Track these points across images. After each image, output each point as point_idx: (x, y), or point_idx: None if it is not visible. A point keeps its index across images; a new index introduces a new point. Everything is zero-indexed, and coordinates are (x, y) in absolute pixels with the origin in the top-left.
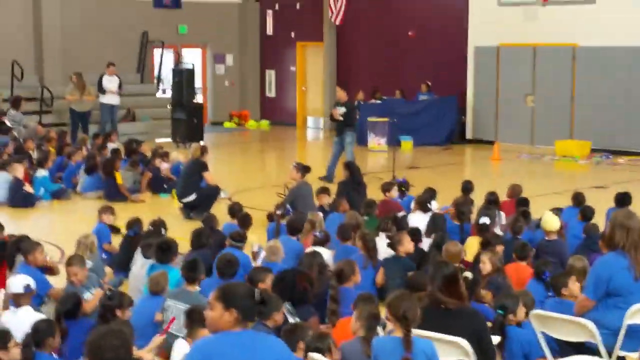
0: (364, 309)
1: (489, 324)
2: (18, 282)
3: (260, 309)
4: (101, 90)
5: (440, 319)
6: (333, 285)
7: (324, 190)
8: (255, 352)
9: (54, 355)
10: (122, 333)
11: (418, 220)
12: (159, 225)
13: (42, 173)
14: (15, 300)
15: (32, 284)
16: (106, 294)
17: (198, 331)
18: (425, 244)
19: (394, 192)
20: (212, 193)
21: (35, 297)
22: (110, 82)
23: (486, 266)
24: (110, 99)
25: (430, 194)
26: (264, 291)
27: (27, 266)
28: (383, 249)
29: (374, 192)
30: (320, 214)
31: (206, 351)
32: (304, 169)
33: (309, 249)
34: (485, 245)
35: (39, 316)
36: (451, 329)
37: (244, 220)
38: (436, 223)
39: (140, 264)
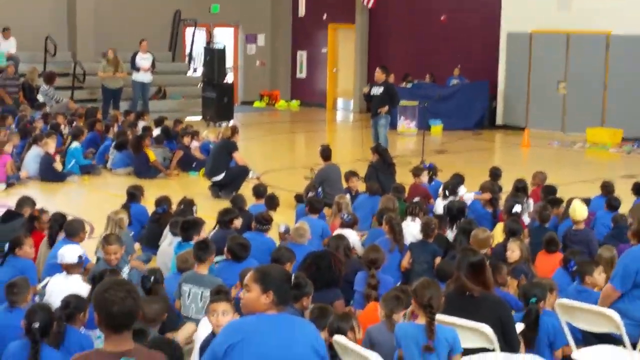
0: (390, 292)
1: (517, 313)
2: (72, 252)
3: (294, 293)
4: (134, 67)
5: (464, 305)
6: (372, 274)
7: (353, 174)
8: (291, 334)
9: (83, 330)
10: (127, 284)
11: (442, 205)
12: (189, 203)
13: (75, 145)
14: (68, 270)
15: (83, 255)
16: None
17: (219, 305)
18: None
19: (424, 177)
20: (241, 173)
21: None
22: (144, 60)
23: (514, 254)
24: (143, 76)
25: (458, 179)
26: (300, 275)
27: (68, 241)
28: (410, 233)
29: (402, 176)
30: (348, 197)
31: (243, 331)
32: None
33: (336, 232)
34: (511, 233)
35: (87, 287)
36: (475, 315)
37: (271, 201)
38: (450, 210)
39: (168, 241)
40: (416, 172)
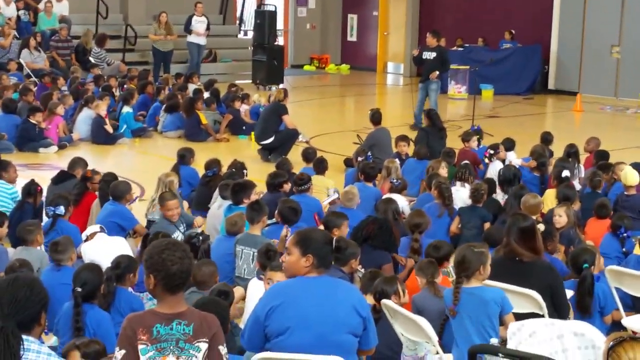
0: (423, 260)
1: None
2: (91, 228)
3: (337, 256)
4: (188, 30)
5: (513, 270)
6: (416, 238)
7: (403, 138)
8: (331, 296)
9: (132, 291)
10: (181, 244)
11: (493, 169)
12: (239, 167)
13: (126, 109)
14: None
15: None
16: (190, 235)
17: (276, 274)
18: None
19: (473, 143)
20: (290, 136)
21: (120, 231)
22: (199, 23)
23: (562, 219)
24: (198, 39)
25: (508, 144)
26: (340, 239)
27: (116, 203)
28: (459, 198)
29: (452, 141)
30: (397, 161)
31: (284, 294)
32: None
33: (385, 196)
34: (565, 199)
35: (122, 240)
36: (524, 281)
37: (319, 165)
38: (505, 175)
39: (218, 204)
40: (466, 137)
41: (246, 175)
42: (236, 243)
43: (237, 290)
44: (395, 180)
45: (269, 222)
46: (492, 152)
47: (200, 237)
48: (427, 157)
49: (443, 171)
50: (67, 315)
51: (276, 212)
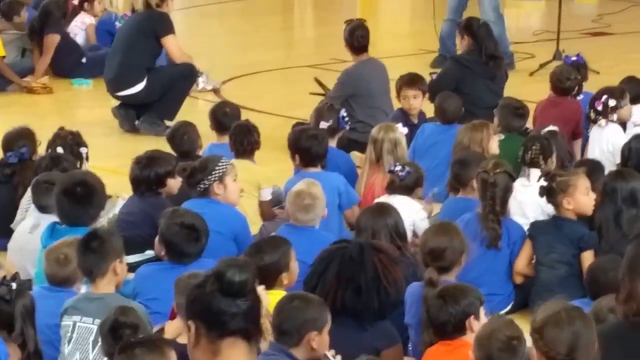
0: (484, 327)
1: None
2: None
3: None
4: None
5: None
6: (432, 281)
7: (414, 82)
8: None
9: None
10: None
11: (607, 139)
12: (72, 143)
13: None
14: None
15: None
16: None
17: None
18: None
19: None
20: (180, 79)
21: None
22: None
23: None
24: None
25: (634, 90)
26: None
27: None
28: (531, 202)
29: (515, 85)
30: (401, 128)
31: None
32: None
33: (380, 199)
34: None
35: None
36: None
37: (242, 139)
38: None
39: (31, 223)
40: (559, 80)
41: (86, 160)
42: (64, 312)
43: None
44: (398, 168)
45: (136, 258)
46: (612, 104)
47: (13, 285)
48: (462, 118)
49: (494, 144)
50: None
51: (157, 238)
